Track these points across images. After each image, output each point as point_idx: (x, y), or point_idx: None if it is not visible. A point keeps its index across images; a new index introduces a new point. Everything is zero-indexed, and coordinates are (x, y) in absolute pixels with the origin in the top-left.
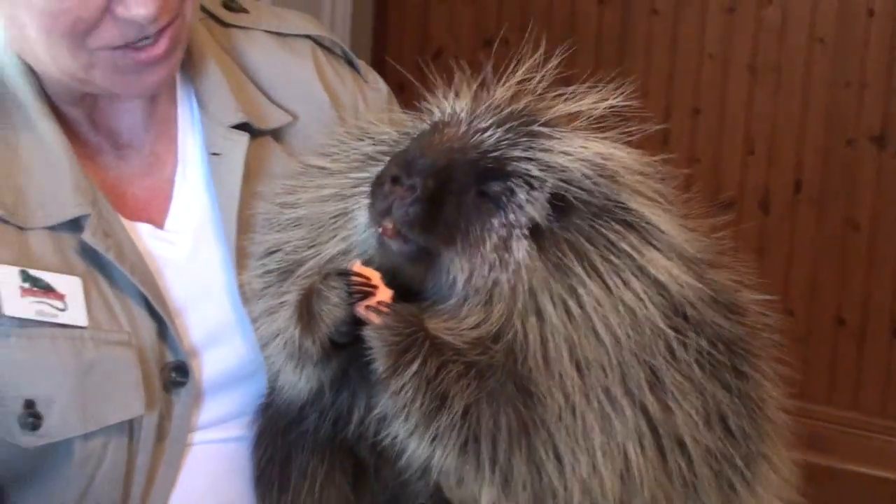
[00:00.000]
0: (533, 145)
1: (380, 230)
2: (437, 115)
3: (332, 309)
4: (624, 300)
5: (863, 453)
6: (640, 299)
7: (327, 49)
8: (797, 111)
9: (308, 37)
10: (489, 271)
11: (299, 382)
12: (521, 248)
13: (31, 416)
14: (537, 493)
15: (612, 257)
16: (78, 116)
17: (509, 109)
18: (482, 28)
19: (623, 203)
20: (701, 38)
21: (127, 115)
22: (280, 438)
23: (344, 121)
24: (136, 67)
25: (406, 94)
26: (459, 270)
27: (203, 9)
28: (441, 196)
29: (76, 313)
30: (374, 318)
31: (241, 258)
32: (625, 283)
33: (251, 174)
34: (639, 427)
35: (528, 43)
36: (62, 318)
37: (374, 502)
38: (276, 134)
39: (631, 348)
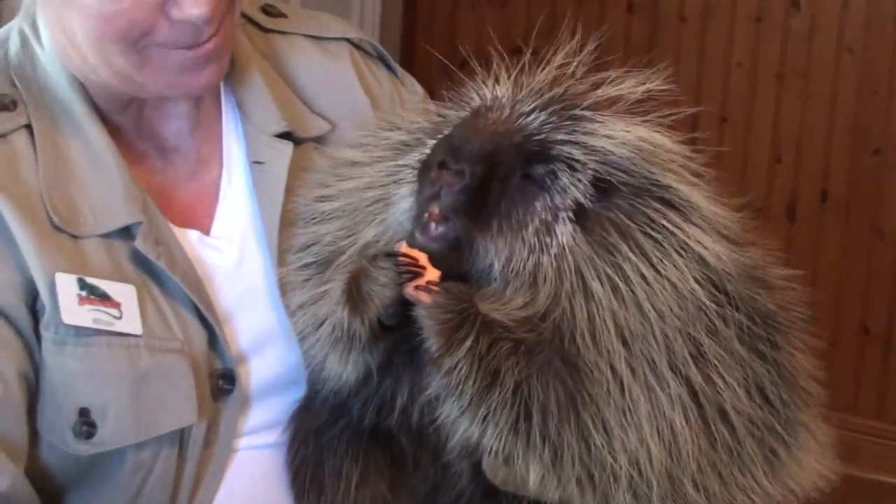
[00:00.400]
0: (576, 129)
1: (426, 215)
2: (478, 101)
3: (381, 289)
4: (668, 275)
5: (888, 462)
6: (683, 274)
7: (364, 51)
8: (824, 120)
9: (346, 39)
10: (528, 255)
11: (346, 369)
12: (566, 231)
13: (86, 424)
14: (586, 467)
15: (655, 234)
16: (124, 123)
17: (551, 94)
18: (510, 36)
19: (663, 182)
20: (729, 46)
21: (173, 120)
22: (313, 441)
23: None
24: (188, 66)
25: (435, 101)
26: (497, 256)
27: (242, 14)
28: (488, 181)
29: (131, 321)
30: (425, 297)
31: (283, 267)
32: (668, 258)
33: (293, 184)
34: (683, 399)
35: (557, 50)
36: (118, 327)
37: (412, 497)
38: (318, 140)
39: (675, 322)
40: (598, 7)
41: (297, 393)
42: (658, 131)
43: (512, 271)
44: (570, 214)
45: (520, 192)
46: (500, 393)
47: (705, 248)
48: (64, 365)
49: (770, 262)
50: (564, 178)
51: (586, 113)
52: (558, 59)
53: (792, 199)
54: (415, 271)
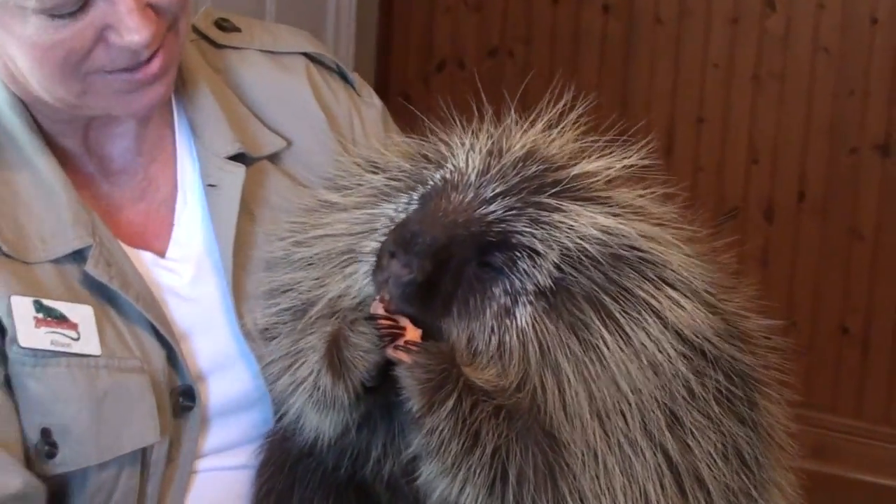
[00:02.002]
0: (538, 218)
1: (377, 299)
2: (449, 169)
3: (363, 355)
4: (643, 348)
5: (866, 462)
6: (659, 346)
7: (321, 64)
8: (801, 120)
9: (302, 54)
10: (490, 336)
11: (325, 428)
12: (526, 314)
13: (48, 444)
14: None
15: (629, 306)
16: (71, 146)
17: (521, 174)
18: (486, 39)
19: (635, 245)
20: (705, 47)
21: (118, 140)
22: (287, 470)
23: (340, 138)
24: (132, 87)
25: (412, 103)
26: (457, 338)
27: (195, 30)
28: (438, 275)
29: (89, 342)
30: (405, 358)
31: (238, 291)
32: (643, 330)
33: (248, 203)
34: (659, 468)
35: (538, 56)
36: (76, 348)
37: None
38: (272, 158)
39: (651, 393)
40: (574, 9)
41: (257, 415)
42: (623, 219)
43: (476, 350)
44: (531, 298)
45: (476, 279)
46: (479, 455)
47: (683, 314)
48: (24, 385)
49: (748, 310)
50: (524, 265)
51: (552, 201)
52: (541, 125)
53: (769, 200)
54: (395, 333)
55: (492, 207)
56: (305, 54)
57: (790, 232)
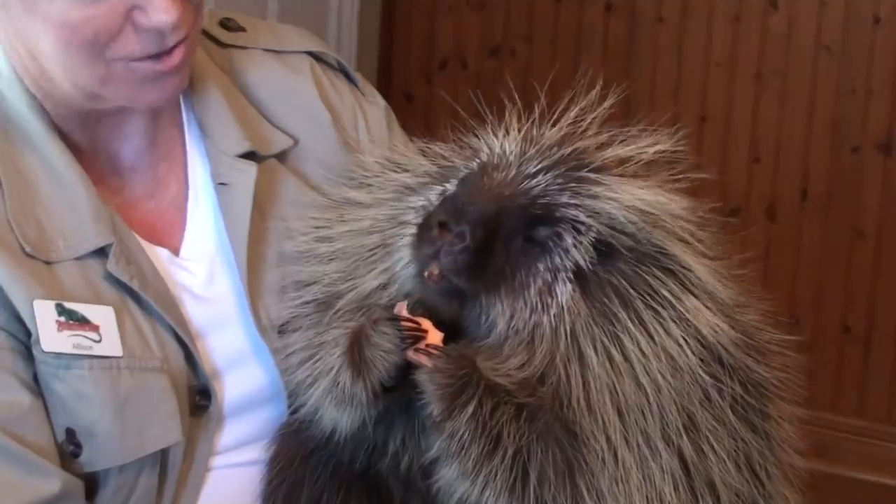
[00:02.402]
0: (581, 191)
1: (425, 274)
2: (486, 153)
3: (384, 355)
4: (666, 348)
5: (868, 461)
6: (681, 347)
7: (325, 63)
8: (803, 119)
9: (307, 53)
10: (531, 314)
11: (342, 423)
12: (566, 292)
13: (73, 444)
14: None
15: (655, 303)
16: (82, 142)
17: (559, 153)
18: (489, 37)
19: (665, 249)
20: (707, 46)
21: (128, 139)
22: (298, 463)
23: (347, 137)
24: (153, 78)
25: (414, 103)
26: (500, 314)
27: (201, 30)
28: (490, 244)
29: (111, 344)
30: (426, 362)
31: (253, 288)
32: (666, 330)
33: (260, 203)
34: (674, 470)
35: (540, 55)
36: (97, 350)
37: None
38: (281, 156)
39: (670, 394)
40: (577, 8)
41: (272, 410)
42: (662, 194)
43: (513, 329)
44: (570, 275)
45: (523, 254)
46: (501, 458)
47: (704, 320)
48: (49, 387)
49: (763, 325)
50: (567, 240)
51: (592, 175)
52: (572, 115)
53: (771, 199)
54: (416, 335)
55: (535, 181)
56: (310, 53)
57: (792, 230)
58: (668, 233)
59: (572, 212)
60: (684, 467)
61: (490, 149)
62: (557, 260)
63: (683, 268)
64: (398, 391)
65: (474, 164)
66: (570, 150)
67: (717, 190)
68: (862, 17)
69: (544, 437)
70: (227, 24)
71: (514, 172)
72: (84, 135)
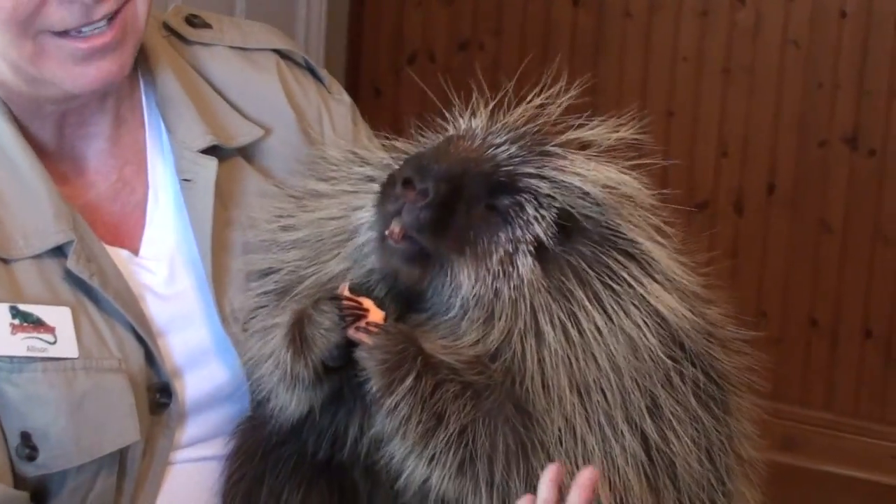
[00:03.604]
0: (545, 164)
1: (386, 232)
2: (451, 128)
3: (325, 333)
4: (624, 328)
5: (836, 454)
6: (640, 328)
7: (291, 61)
8: (770, 113)
9: (272, 50)
10: (493, 282)
11: (290, 405)
12: (526, 264)
13: (28, 447)
14: None
15: (614, 285)
16: (48, 142)
17: (524, 129)
18: (457, 31)
19: (625, 234)
20: (674, 41)
21: (92, 142)
22: (259, 458)
23: (310, 136)
24: (81, 56)
25: (383, 98)
26: (466, 278)
27: (166, 26)
28: (453, 203)
29: (66, 345)
30: (366, 339)
31: (218, 282)
32: (625, 311)
33: (223, 197)
34: (638, 452)
35: (508, 49)
36: (52, 352)
37: None
38: (246, 152)
39: (632, 375)
40: (545, 3)
41: (233, 406)
42: (627, 174)
43: (474, 297)
44: (531, 248)
45: (484, 221)
46: (445, 436)
47: (664, 304)
48: (2, 391)
49: (726, 322)
50: (529, 211)
51: (557, 150)
52: (537, 101)
53: (739, 193)
54: (357, 314)
55: (500, 150)
56: (276, 51)
57: (760, 224)
58: (628, 217)
59: (535, 182)
60: (647, 451)
61: (457, 127)
62: (518, 231)
63: (644, 253)
64: (344, 373)
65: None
66: (535, 127)
67: (685, 184)
68: (828, 12)
69: (493, 416)
70: (192, 21)
71: (479, 141)
72: (50, 134)
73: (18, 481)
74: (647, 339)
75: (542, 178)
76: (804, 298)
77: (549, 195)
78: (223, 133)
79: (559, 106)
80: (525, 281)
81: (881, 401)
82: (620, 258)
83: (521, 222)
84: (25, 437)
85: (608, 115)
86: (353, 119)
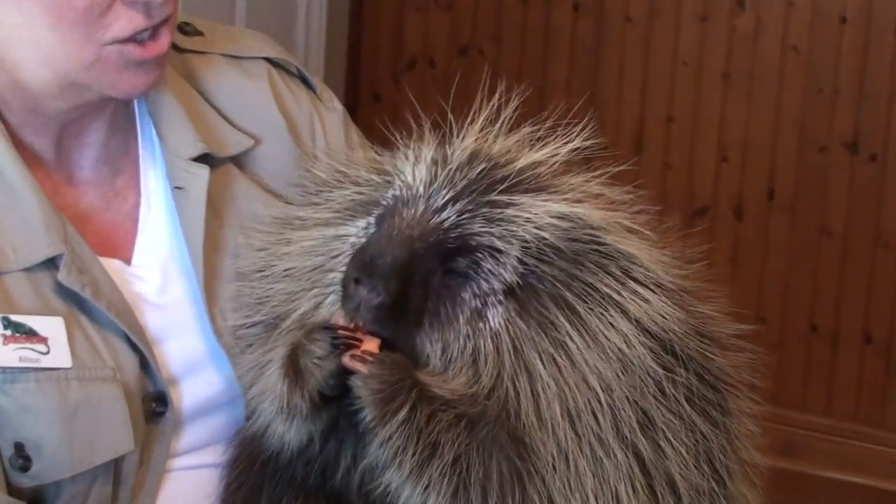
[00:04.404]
0: (493, 216)
1: (353, 325)
2: (398, 184)
3: (319, 363)
4: (611, 345)
5: (835, 459)
6: (627, 341)
7: (283, 69)
8: (770, 118)
9: (264, 59)
10: (464, 342)
11: (289, 437)
12: (497, 315)
13: (21, 458)
14: None
15: (594, 302)
16: (41, 150)
17: (466, 179)
18: (457, 37)
19: (599, 240)
20: (674, 46)
21: (87, 151)
22: (258, 467)
23: (302, 144)
24: (138, 62)
25: (382, 103)
26: (432, 350)
27: None
28: (406, 291)
29: (59, 355)
30: (360, 367)
31: (210, 291)
32: (611, 326)
33: (215, 205)
34: (631, 469)
35: (508, 55)
36: (45, 362)
37: None
38: (238, 160)
39: (622, 391)
40: (544, 8)
41: (230, 413)
42: (578, 204)
43: (449, 360)
44: (500, 297)
45: (445, 287)
46: (439, 465)
47: (651, 309)
48: None
49: (721, 318)
50: (487, 266)
51: (503, 197)
52: (477, 126)
53: (739, 198)
54: (351, 342)
55: (445, 214)
56: (268, 59)
57: (760, 230)
58: (602, 228)
59: (487, 239)
60: (641, 465)
61: (401, 181)
62: (484, 285)
63: (622, 256)
64: (343, 403)
65: (389, 196)
66: (478, 169)
67: (685, 189)
68: (828, 17)
69: (488, 445)
70: (184, 29)
71: (422, 208)
72: (46, 144)
73: (13, 491)
74: (635, 350)
75: (492, 234)
76: (804, 303)
77: (502, 249)
78: (214, 142)
79: (503, 124)
80: (502, 328)
81: (881, 406)
82: (596, 269)
83: (483, 276)
84: (19, 448)
85: (555, 119)
86: (346, 128)
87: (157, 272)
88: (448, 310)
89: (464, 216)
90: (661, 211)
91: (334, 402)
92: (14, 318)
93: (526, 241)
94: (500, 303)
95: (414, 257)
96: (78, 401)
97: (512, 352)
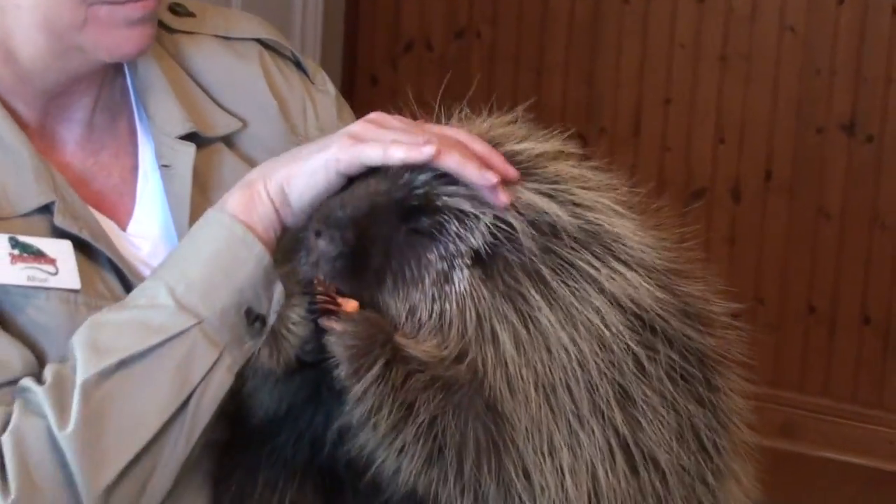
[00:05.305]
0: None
1: (314, 282)
2: None
3: (293, 328)
4: (585, 320)
5: (834, 440)
6: (602, 317)
7: (275, 51)
8: (767, 100)
9: (255, 40)
10: (431, 304)
11: (265, 400)
12: (463, 279)
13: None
14: None
15: (570, 277)
16: (28, 121)
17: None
18: (454, 20)
19: (581, 217)
20: (672, 27)
21: (73, 126)
22: (254, 448)
23: (292, 127)
24: (129, 23)
25: (379, 87)
26: (399, 312)
27: None
28: (364, 244)
29: (68, 276)
30: (336, 326)
31: None
32: (585, 301)
33: (202, 184)
34: (609, 445)
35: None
36: (53, 283)
37: None
38: (228, 140)
39: (598, 366)
40: None
41: None
42: (563, 182)
43: (419, 322)
44: (467, 261)
45: (408, 246)
46: (414, 426)
47: (628, 285)
48: (8, 319)
49: (711, 296)
50: (454, 228)
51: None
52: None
53: (736, 180)
54: (329, 306)
55: (417, 175)
56: (259, 41)
57: (757, 211)
58: (577, 205)
59: (455, 201)
60: (620, 441)
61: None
62: (451, 247)
63: (603, 233)
64: (319, 368)
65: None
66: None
67: (683, 171)
68: None
69: (464, 410)
70: (175, 10)
71: (398, 168)
72: (31, 115)
73: None
74: (610, 326)
75: (461, 195)
76: (802, 285)
77: (471, 212)
78: (202, 122)
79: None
80: (467, 294)
81: (879, 387)
82: (574, 245)
83: (450, 238)
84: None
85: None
86: (338, 110)
87: (149, 242)
88: (413, 270)
89: (438, 178)
90: (658, 192)
91: (313, 368)
92: (22, 238)
93: (502, 210)
94: (467, 266)
95: (374, 210)
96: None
97: (476, 320)
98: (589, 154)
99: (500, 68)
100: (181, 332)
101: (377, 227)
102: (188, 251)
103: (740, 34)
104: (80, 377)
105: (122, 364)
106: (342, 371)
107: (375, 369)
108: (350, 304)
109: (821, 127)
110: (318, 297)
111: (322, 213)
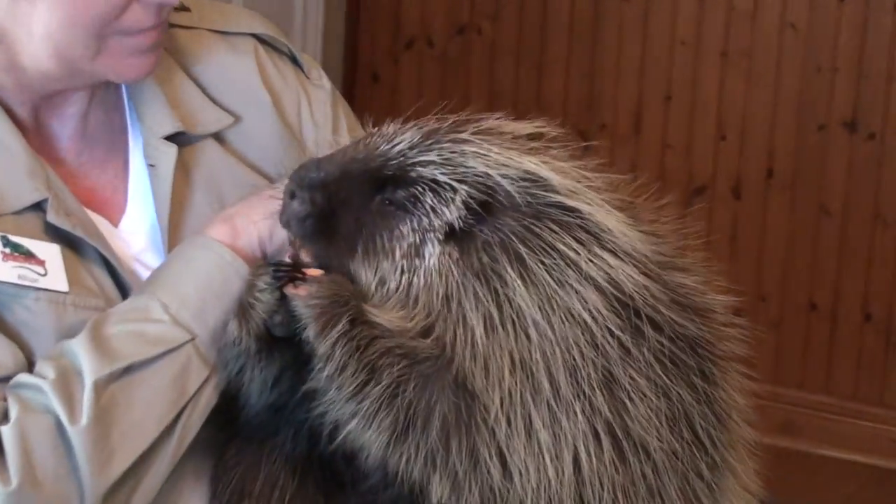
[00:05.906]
0: (447, 153)
1: (290, 244)
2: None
3: (260, 296)
4: (564, 303)
5: (834, 437)
6: (582, 299)
7: (271, 46)
8: (769, 97)
9: (251, 35)
10: (400, 276)
11: (247, 385)
12: (434, 254)
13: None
14: (486, 495)
15: (550, 260)
16: (20, 118)
17: (436, 127)
18: (455, 16)
19: (565, 204)
20: (673, 24)
21: (68, 121)
22: (256, 444)
23: (286, 122)
24: (139, 50)
25: (380, 83)
26: (368, 280)
27: None
28: (335, 208)
29: (57, 278)
30: (301, 290)
31: None
32: (565, 284)
33: (191, 181)
34: (593, 429)
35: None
36: (43, 283)
37: None
38: (219, 136)
39: (578, 348)
40: None
41: None
42: (543, 164)
43: (387, 293)
44: (440, 236)
45: (381, 216)
46: (377, 390)
47: (611, 270)
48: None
49: (708, 289)
50: (429, 201)
51: (457, 135)
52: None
53: (737, 177)
54: (294, 273)
55: (389, 146)
56: (255, 36)
57: (758, 208)
58: (559, 190)
59: (429, 172)
60: (606, 426)
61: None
62: (424, 221)
63: (587, 221)
64: (296, 347)
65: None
66: (453, 120)
67: (684, 168)
68: None
69: (431, 382)
70: None
71: (378, 140)
72: (24, 112)
73: None
74: (591, 309)
75: (436, 164)
76: (803, 282)
77: (447, 182)
78: (190, 120)
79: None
80: (435, 270)
81: (880, 384)
82: (555, 228)
83: (423, 211)
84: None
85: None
86: (333, 104)
87: (140, 238)
88: (384, 241)
89: (416, 149)
90: (659, 190)
91: (288, 346)
92: (13, 238)
93: (477, 177)
94: (440, 241)
95: (346, 176)
96: (72, 324)
97: (443, 295)
98: (588, 152)
99: (500, 65)
100: (178, 346)
101: (348, 193)
102: (179, 270)
103: (741, 31)
104: (92, 376)
105: (129, 369)
106: (310, 332)
107: (340, 325)
108: (315, 272)
109: (822, 124)
110: (284, 267)
111: (298, 174)
